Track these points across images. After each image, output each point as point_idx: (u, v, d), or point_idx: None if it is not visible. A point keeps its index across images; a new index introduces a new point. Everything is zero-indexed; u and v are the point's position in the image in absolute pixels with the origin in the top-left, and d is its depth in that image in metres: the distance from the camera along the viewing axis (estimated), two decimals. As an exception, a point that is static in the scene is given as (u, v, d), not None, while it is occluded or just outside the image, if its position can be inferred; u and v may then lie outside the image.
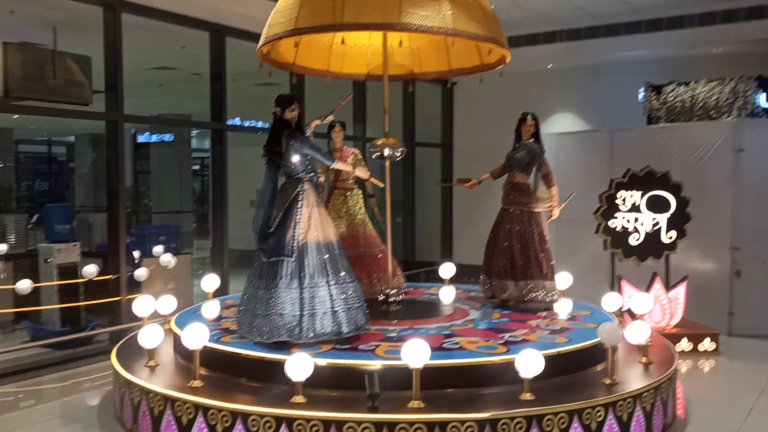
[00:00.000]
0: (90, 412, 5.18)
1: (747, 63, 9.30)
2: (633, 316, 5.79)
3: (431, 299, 6.47)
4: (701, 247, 7.71)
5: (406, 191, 11.82)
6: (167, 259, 7.76)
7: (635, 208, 7.15)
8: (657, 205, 7.11)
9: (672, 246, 7.08)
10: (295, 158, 4.80)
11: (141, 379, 4.45)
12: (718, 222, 7.76)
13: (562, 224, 8.59)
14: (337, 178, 6.53)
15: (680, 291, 6.93)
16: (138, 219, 17.72)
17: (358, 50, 6.57)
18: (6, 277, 7.66)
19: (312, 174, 4.89)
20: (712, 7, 9.14)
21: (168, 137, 14.73)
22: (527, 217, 6.03)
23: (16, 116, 15.42)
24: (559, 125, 10.93)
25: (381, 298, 5.88)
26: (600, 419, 3.99)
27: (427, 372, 3.93)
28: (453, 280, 7.02)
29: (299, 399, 3.92)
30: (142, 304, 5.37)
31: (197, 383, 4.26)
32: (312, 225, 4.75)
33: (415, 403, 3.83)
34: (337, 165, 5.07)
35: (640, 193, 7.12)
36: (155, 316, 5.77)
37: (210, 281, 6.42)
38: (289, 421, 3.77)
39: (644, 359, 4.84)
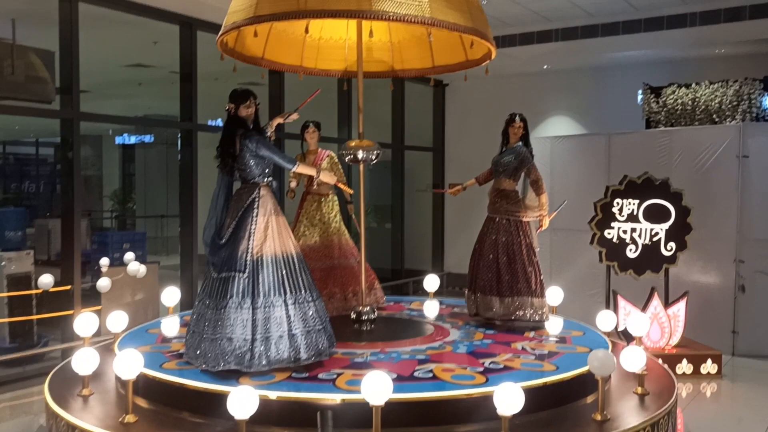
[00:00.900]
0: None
1: (751, 64, 8.84)
2: (629, 337, 5.26)
3: (411, 316, 5.95)
4: (704, 260, 7.23)
5: (395, 196, 11.33)
6: (135, 268, 7.25)
7: (632, 218, 6.64)
8: (656, 215, 6.60)
9: (672, 259, 6.57)
10: (251, 160, 4.28)
11: (70, 411, 3.92)
12: (721, 233, 7.27)
13: (557, 233, 8.14)
14: (310, 183, 6.01)
15: (680, 308, 6.41)
16: (125, 223, 17.25)
17: (335, 44, 6.08)
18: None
19: (270, 178, 4.37)
20: (715, 5, 8.67)
21: (148, 138, 14.19)
22: (515, 227, 5.52)
23: (-3, 116, 14.98)
24: (556, 128, 10.47)
25: (353, 316, 5.35)
26: (589, 463, 3.46)
27: (392, 407, 3.39)
28: (442, 292, 6.51)
29: (243, 438, 3.39)
30: (84, 322, 4.82)
31: (130, 418, 3.73)
32: (268, 236, 4.23)
33: (375, 445, 3.31)
34: (299, 169, 4.54)
35: (637, 201, 6.62)
36: (106, 334, 5.26)
37: (170, 294, 5.88)
38: (230, 464, 3.24)
39: (640, 389, 4.32)
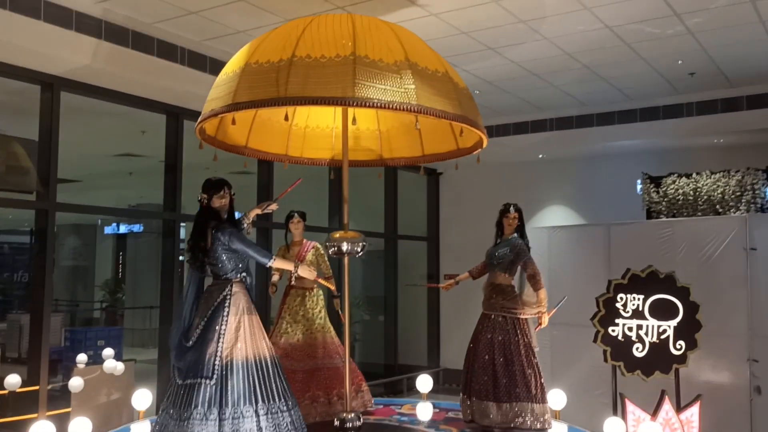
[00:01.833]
0: None
1: (752, 153, 8.69)
2: (640, 448, 4.79)
3: (401, 422, 5.47)
4: (714, 358, 6.80)
5: (388, 288, 10.94)
6: (111, 366, 6.83)
7: (638, 314, 6.23)
8: (663, 311, 6.19)
9: (682, 359, 6.12)
10: (223, 255, 3.95)
11: None
12: (732, 329, 6.88)
13: (557, 329, 7.74)
14: (293, 277, 5.67)
15: (694, 412, 5.91)
16: (115, 315, 16.82)
17: (321, 132, 5.88)
18: None
19: (243, 274, 4.04)
20: (711, 95, 8.61)
21: (137, 228, 13.94)
22: (512, 325, 5.14)
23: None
24: (552, 218, 10.22)
25: (336, 423, 4.88)
26: None
27: None
28: (437, 390, 6.04)
29: None
30: (40, 430, 4.37)
31: None
32: (240, 337, 3.86)
33: None
34: (276, 263, 4.21)
35: (642, 296, 6.22)
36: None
37: (141, 398, 5.43)
38: None
39: None
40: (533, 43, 7.08)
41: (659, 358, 6.12)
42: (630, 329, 6.20)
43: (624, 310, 6.23)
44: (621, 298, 6.25)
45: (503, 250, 5.31)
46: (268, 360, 3.91)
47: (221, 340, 3.83)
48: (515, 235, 5.34)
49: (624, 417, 5.65)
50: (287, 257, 5.57)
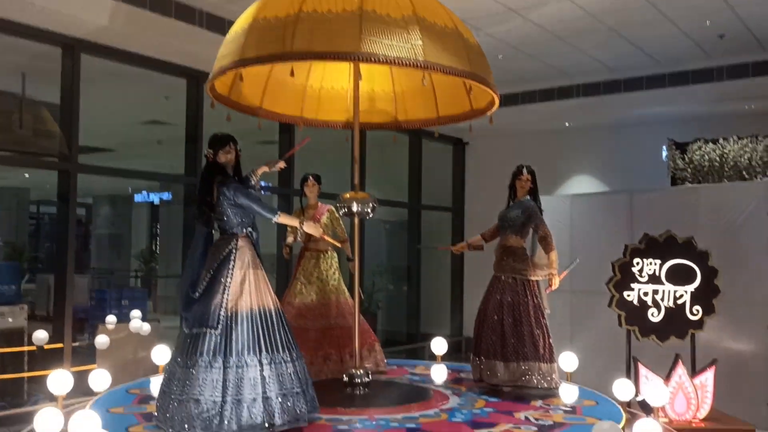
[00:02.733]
0: None
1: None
2: (648, 409, 4.76)
3: (412, 381, 5.52)
4: (735, 324, 6.70)
5: (412, 257, 10.95)
6: (138, 326, 7.03)
7: (654, 279, 6.16)
8: (680, 276, 6.12)
9: (698, 324, 6.05)
10: (228, 210, 4.01)
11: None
12: (753, 297, 6.76)
13: (576, 295, 7.71)
14: (308, 239, 5.71)
15: (708, 377, 5.85)
16: (149, 283, 17.16)
17: (336, 94, 5.87)
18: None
19: (249, 228, 4.09)
20: (742, 59, 8.37)
21: (166, 196, 14.13)
22: (522, 287, 5.12)
23: (27, 175, 15.14)
24: (578, 187, 10.13)
25: (345, 379, 4.94)
26: None
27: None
28: (460, 358, 6.06)
29: None
30: (56, 380, 4.51)
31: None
32: (245, 290, 3.92)
33: None
34: (281, 219, 4.24)
35: (659, 261, 6.15)
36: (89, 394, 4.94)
37: (160, 353, 5.58)
38: None
39: (657, 469, 3.81)
40: (556, 3, 6.96)
41: (675, 324, 6.07)
42: (646, 294, 6.14)
43: (640, 275, 6.17)
44: (637, 263, 6.19)
45: (515, 213, 5.28)
46: (273, 312, 3.97)
47: (226, 291, 3.90)
48: (528, 197, 5.31)
49: (636, 380, 5.63)
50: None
